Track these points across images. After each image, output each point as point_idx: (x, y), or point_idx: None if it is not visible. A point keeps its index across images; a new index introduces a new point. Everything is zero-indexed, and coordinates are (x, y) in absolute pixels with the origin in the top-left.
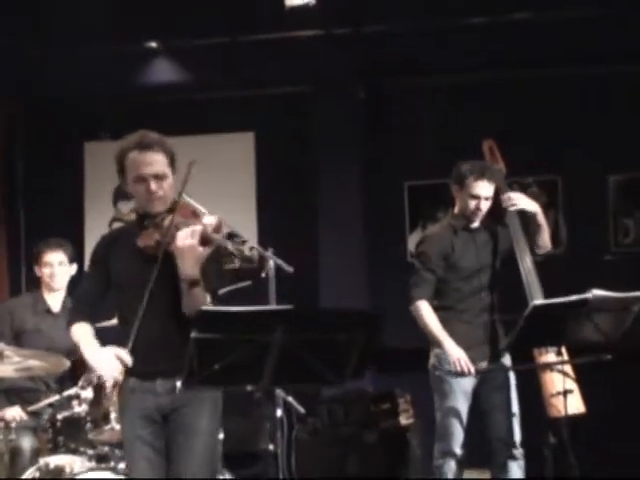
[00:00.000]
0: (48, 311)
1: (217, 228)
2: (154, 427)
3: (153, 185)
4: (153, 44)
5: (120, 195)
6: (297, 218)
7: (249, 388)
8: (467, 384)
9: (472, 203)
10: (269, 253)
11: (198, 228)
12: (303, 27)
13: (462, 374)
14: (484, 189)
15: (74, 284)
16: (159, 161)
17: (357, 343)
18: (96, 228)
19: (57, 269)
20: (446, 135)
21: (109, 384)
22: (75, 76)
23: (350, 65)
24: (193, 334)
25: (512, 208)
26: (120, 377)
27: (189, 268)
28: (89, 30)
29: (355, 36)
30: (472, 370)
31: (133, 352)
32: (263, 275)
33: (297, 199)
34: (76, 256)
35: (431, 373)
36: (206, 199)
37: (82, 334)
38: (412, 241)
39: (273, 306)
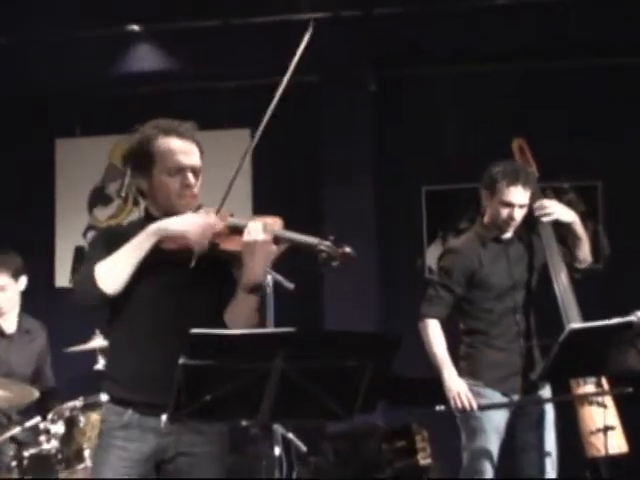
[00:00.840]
0: (1, 334)
1: (284, 227)
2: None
3: (192, 178)
4: (134, 27)
5: (96, 200)
6: (298, 227)
7: (244, 423)
8: (500, 420)
9: (504, 211)
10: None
11: (270, 221)
12: (307, 8)
13: (463, 411)
14: (518, 195)
15: (29, 295)
16: (197, 154)
17: (368, 371)
18: (68, 236)
19: None
20: (469, 133)
21: (197, 251)
22: (44, 64)
23: (359, 51)
24: (181, 360)
25: (546, 218)
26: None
27: (259, 268)
28: (58, 11)
29: (365, 19)
30: (474, 406)
31: (135, 378)
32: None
33: (298, 205)
34: (23, 267)
35: None
36: None
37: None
38: (430, 255)
39: (272, 329)
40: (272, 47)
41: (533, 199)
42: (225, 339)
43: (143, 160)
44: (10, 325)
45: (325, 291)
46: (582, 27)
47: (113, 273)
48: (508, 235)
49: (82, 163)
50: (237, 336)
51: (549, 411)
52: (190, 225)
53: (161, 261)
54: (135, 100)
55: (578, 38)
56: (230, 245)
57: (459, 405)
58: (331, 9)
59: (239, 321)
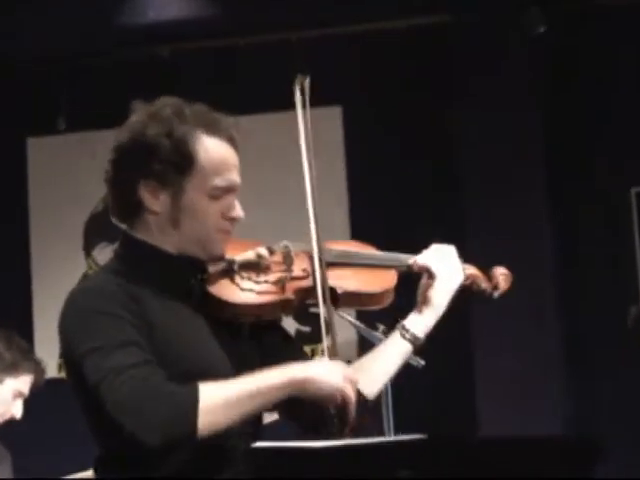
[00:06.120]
0: None
1: None
2: None
3: (240, 210)
4: None
5: (96, 235)
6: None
7: None
8: None
9: None
10: (378, 334)
11: None
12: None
13: None
14: None
15: None
16: None
17: None
18: (51, 299)
19: None
20: None
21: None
22: (15, 26)
23: None
24: None
25: None
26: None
27: None
28: None
29: None
30: None
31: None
32: None
33: (419, 209)
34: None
35: None
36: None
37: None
38: None
39: (387, 437)
40: None
41: None
42: (311, 455)
43: (169, 162)
44: None
45: (477, 371)
46: None
47: (221, 417)
48: None
49: (69, 175)
50: (332, 450)
51: None
52: (337, 387)
53: (214, 334)
54: (153, 68)
55: None
56: None
57: None
58: None
59: None
